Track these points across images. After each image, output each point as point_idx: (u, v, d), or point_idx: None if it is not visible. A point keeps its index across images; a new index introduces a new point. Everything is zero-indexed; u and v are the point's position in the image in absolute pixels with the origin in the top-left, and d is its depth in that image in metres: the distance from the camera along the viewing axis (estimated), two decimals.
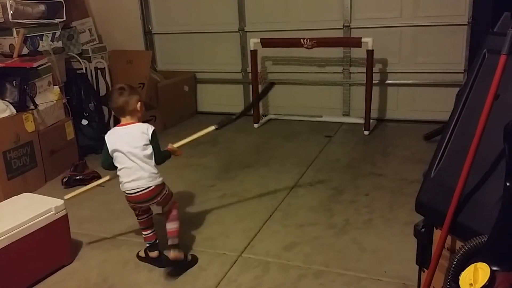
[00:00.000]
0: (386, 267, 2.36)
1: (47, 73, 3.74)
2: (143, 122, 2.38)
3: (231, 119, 2.61)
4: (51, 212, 2.42)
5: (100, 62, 4.59)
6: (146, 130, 2.29)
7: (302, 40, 4.24)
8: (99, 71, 4.58)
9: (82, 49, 4.57)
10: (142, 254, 2.53)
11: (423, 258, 1.81)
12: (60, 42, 4.17)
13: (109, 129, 4.62)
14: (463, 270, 1.31)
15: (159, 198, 2.34)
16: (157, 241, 2.50)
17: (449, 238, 1.63)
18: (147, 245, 2.49)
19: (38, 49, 3.92)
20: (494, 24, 1.79)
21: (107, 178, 2.58)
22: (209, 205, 3.15)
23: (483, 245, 1.36)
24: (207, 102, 5.32)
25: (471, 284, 1.25)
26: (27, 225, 2.31)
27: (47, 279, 2.42)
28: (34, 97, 3.56)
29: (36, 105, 3.53)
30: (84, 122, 4.21)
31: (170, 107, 4.82)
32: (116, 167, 2.33)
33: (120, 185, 2.34)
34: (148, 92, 4.53)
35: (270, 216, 2.95)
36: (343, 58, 4.62)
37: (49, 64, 3.78)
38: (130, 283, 2.37)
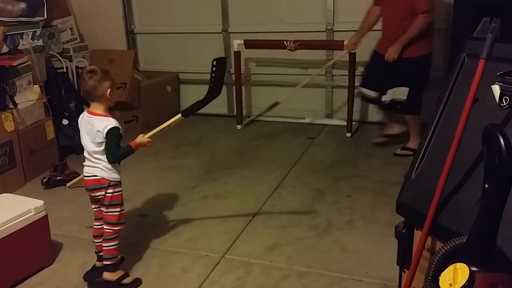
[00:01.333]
0: (367, 267, 2.38)
1: (27, 72, 3.68)
2: (111, 113, 2.27)
3: (197, 106, 2.55)
4: (31, 213, 2.39)
5: (81, 61, 4.54)
6: (102, 128, 2.16)
7: (285, 42, 4.25)
8: (80, 71, 4.52)
9: (63, 48, 4.50)
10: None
11: (404, 259, 1.83)
12: (41, 40, 4.11)
13: None
14: (443, 271, 1.32)
15: (102, 192, 2.23)
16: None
17: (429, 239, 1.65)
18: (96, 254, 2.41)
19: (18, 48, 3.85)
20: (473, 29, 1.83)
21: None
22: (192, 206, 3.14)
23: (462, 246, 1.38)
24: (190, 102, 5.15)
25: (450, 284, 1.27)
26: (6, 226, 2.27)
27: (26, 281, 2.39)
28: (14, 96, 3.50)
29: (15, 104, 3.47)
30: (65, 121, 4.15)
31: (153, 107, 4.77)
32: None
33: None
34: (130, 92, 4.49)
35: (253, 217, 2.95)
36: (326, 61, 4.64)
37: (29, 62, 3.72)
38: None
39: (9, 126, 3.40)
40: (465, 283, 1.24)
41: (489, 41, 1.50)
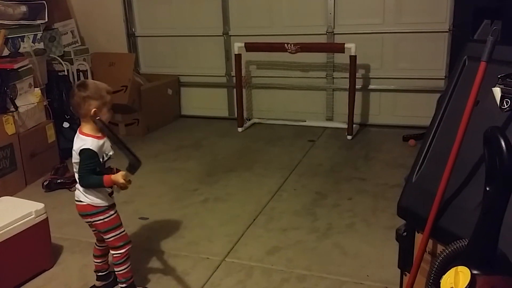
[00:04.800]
0: (368, 271, 2.37)
1: (28, 75, 3.69)
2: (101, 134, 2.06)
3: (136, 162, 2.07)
4: (31, 216, 2.39)
5: (82, 64, 4.54)
6: (77, 148, 2.02)
7: (286, 45, 4.26)
8: (81, 73, 4.53)
9: (64, 51, 4.51)
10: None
11: (405, 262, 1.82)
12: (42, 43, 4.11)
13: None
14: (444, 274, 1.32)
15: (90, 219, 2.11)
16: (105, 272, 2.32)
17: (430, 242, 1.64)
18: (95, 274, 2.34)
19: (19, 51, 3.86)
20: (474, 31, 1.83)
21: None
22: (192, 209, 3.14)
23: (463, 249, 1.38)
24: (191, 105, 5.30)
25: None
26: (7, 229, 2.27)
27: (27, 284, 2.38)
28: (15, 99, 3.50)
29: (16, 107, 3.47)
30: (66, 124, 4.15)
31: (153, 110, 4.78)
32: None
33: None
34: (131, 95, 4.49)
35: (254, 220, 2.95)
36: (327, 63, 4.65)
37: (30, 65, 3.72)
38: None
39: (10, 129, 3.41)
40: (466, 286, 1.23)
41: (490, 44, 1.50)
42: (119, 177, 2.01)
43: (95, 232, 2.23)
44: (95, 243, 2.30)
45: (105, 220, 2.11)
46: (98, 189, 2.08)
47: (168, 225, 2.92)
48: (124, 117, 4.61)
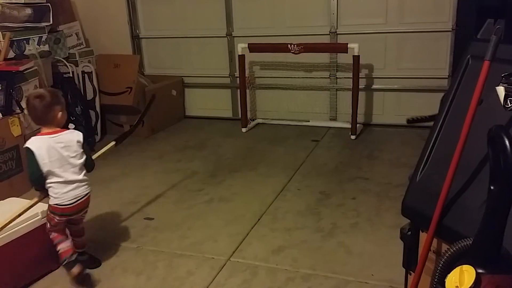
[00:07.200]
0: (373, 270, 2.38)
1: (33, 77, 3.72)
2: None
3: (128, 133, 2.79)
4: (38, 217, 2.40)
5: (87, 66, 4.57)
6: (79, 138, 2.34)
7: (289, 45, 4.27)
8: (86, 75, 4.56)
9: (69, 53, 4.54)
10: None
11: (410, 261, 1.83)
12: (47, 45, 4.14)
13: (96, 133, 4.63)
14: (449, 273, 1.32)
15: (87, 209, 2.45)
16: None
17: (435, 241, 1.65)
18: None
19: (24, 53, 3.89)
20: (477, 30, 1.83)
21: None
22: (197, 209, 3.15)
23: (468, 248, 1.38)
24: (195, 106, 5.32)
25: (457, 287, 1.27)
26: (14, 230, 2.29)
27: (34, 284, 2.40)
28: (20, 101, 3.53)
29: (22, 109, 3.50)
30: (71, 126, 4.17)
31: (158, 111, 4.79)
32: None
33: None
34: (135, 97, 4.51)
35: (258, 220, 2.96)
36: (330, 64, 4.66)
37: (35, 67, 3.75)
38: None
39: (16, 130, 3.43)
40: (471, 285, 1.24)
41: (493, 43, 1.50)
42: None
43: (75, 227, 2.47)
44: (75, 241, 2.46)
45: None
46: None
47: (173, 225, 2.93)
48: (129, 118, 4.63)
